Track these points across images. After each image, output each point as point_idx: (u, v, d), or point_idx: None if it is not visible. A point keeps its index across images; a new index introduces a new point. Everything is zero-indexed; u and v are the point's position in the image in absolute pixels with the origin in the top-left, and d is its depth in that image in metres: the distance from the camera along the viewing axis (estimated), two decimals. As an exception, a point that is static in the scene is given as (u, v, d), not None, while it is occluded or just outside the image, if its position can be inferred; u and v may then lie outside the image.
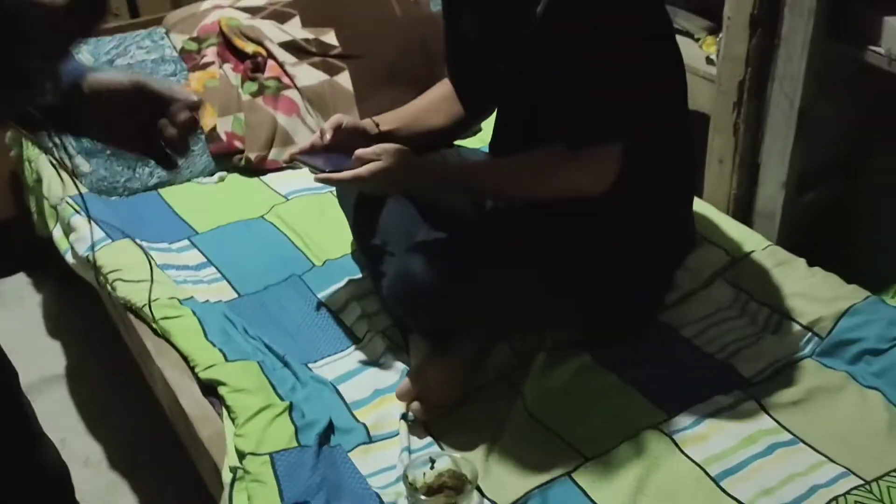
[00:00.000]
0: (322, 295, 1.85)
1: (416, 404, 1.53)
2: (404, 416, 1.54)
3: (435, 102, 1.78)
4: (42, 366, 2.36)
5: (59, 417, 2.20)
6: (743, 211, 2.00)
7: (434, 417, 1.54)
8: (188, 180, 2.25)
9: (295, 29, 2.43)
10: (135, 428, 2.10)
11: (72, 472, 2.03)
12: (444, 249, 1.55)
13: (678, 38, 2.16)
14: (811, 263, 1.79)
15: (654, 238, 1.64)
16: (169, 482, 1.39)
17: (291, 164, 1.64)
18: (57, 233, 2.09)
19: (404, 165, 1.53)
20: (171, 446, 1.80)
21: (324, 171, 1.54)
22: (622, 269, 1.58)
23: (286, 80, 2.33)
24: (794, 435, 1.47)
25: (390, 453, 1.49)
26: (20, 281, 2.69)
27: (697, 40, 2.10)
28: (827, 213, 2.10)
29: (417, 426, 1.54)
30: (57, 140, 2.27)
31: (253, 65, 2.33)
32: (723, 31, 1.88)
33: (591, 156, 1.47)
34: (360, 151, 1.53)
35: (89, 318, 2.36)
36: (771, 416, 1.51)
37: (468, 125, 1.85)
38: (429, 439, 1.52)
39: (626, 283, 1.59)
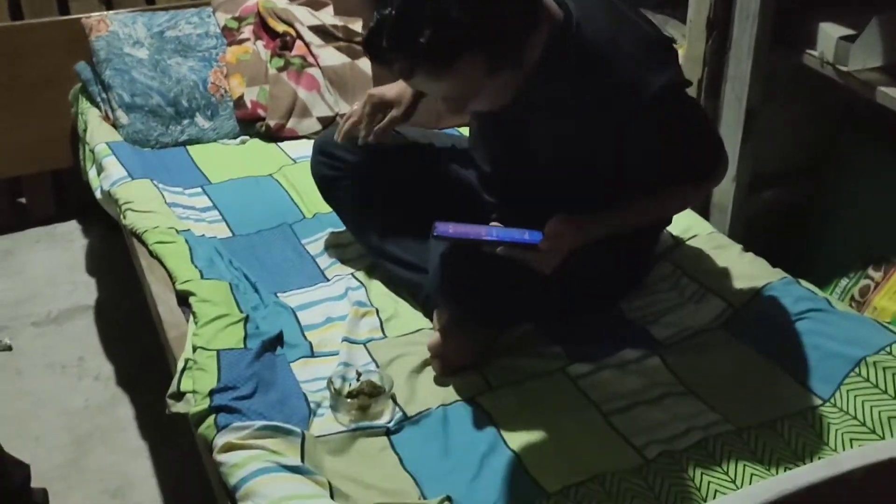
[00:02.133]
0: (305, 241, 2.08)
1: (436, 361, 1.67)
2: (346, 339, 1.74)
3: None
4: (76, 297, 2.67)
5: (81, 340, 2.50)
6: (702, 202, 2.15)
7: (448, 375, 1.65)
8: (214, 140, 2.53)
9: (326, 16, 2.69)
10: (142, 349, 2.36)
11: (84, 384, 2.32)
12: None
13: (663, 43, 2.36)
14: (770, 257, 1.93)
15: None
16: (161, 394, 1.65)
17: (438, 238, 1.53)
18: (92, 173, 2.39)
19: (573, 231, 1.55)
20: (165, 363, 2.05)
21: (489, 243, 1.50)
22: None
23: (311, 59, 2.59)
24: (686, 387, 1.63)
25: (327, 368, 1.69)
26: (72, 226, 3.02)
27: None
28: (792, 212, 2.23)
29: (358, 348, 1.73)
30: (104, 95, 2.59)
31: (282, 43, 2.61)
32: (686, 34, 2.05)
33: (719, 171, 1.68)
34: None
35: (124, 259, 2.65)
36: (671, 371, 1.66)
37: None
38: (367, 359, 1.71)
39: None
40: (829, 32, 1.76)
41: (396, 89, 1.83)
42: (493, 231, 1.52)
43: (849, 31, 1.75)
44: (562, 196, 1.60)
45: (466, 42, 1.33)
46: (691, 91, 2.05)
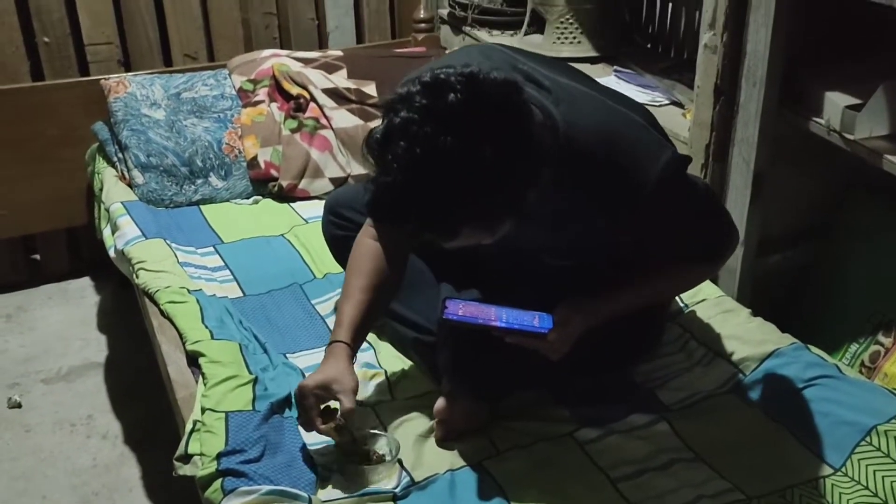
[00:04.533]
0: (315, 301, 2.09)
1: (440, 426, 1.66)
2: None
3: (372, 281, 1.68)
4: (86, 354, 2.68)
5: (91, 397, 2.51)
6: (710, 266, 2.15)
7: (451, 440, 1.65)
8: (227, 200, 2.56)
9: (340, 79, 2.74)
10: (151, 408, 2.36)
11: (92, 443, 2.32)
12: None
13: (671, 108, 2.40)
14: (779, 320, 1.93)
15: None
16: (169, 454, 1.66)
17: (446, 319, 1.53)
18: (106, 232, 2.42)
19: (583, 318, 1.57)
20: (174, 423, 2.05)
21: (498, 330, 1.52)
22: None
23: (324, 121, 2.63)
24: (695, 453, 1.61)
25: (336, 431, 1.69)
26: (85, 283, 3.05)
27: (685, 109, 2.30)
28: (801, 275, 2.23)
29: (367, 411, 1.72)
30: (121, 154, 2.63)
31: (296, 105, 2.65)
32: (694, 99, 2.07)
33: (730, 248, 1.68)
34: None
35: (136, 317, 2.67)
36: (679, 437, 1.65)
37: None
38: (376, 422, 1.71)
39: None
40: (836, 101, 1.78)
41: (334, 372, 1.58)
42: (502, 315, 1.53)
43: (855, 101, 1.77)
44: (569, 280, 1.61)
45: (468, 221, 1.30)
46: (698, 157, 2.09)
